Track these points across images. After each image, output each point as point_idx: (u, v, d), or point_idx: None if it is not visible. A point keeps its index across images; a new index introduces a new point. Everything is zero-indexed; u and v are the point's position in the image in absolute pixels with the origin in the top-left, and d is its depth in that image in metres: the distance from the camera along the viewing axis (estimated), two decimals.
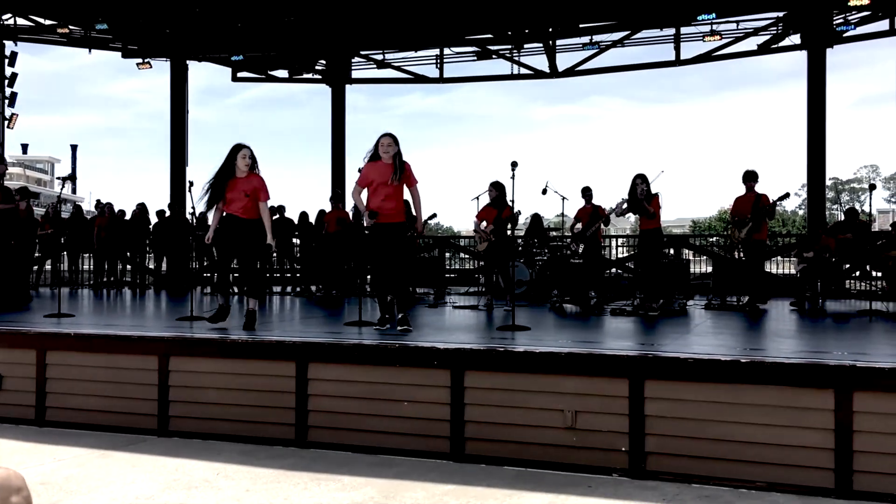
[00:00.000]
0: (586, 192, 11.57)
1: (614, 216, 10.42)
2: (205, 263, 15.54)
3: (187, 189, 8.68)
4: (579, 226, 11.48)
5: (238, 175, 7.45)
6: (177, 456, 5.94)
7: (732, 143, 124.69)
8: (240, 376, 6.47)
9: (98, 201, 16.02)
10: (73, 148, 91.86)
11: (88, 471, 5.60)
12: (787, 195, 10.02)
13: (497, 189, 10.31)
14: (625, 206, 9.72)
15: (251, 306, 7.61)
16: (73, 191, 76.08)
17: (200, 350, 6.66)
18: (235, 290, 13.97)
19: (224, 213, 7.56)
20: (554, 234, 14.18)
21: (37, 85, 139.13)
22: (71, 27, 17.18)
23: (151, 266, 16.83)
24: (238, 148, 7.46)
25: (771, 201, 9.97)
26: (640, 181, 9.48)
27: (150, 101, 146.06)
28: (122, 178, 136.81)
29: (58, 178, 9.67)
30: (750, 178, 10.31)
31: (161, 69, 18.87)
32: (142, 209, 16.02)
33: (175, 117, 18.66)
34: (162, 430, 6.64)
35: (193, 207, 8.94)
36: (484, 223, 10.50)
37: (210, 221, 7.65)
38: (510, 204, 10.12)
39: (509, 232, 10.17)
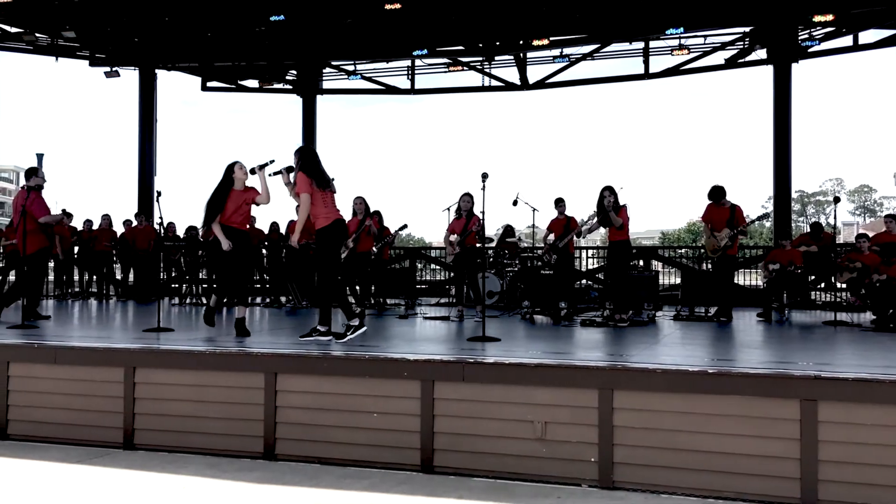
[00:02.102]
0: (559, 203, 11.63)
1: (585, 229, 10.49)
2: (173, 274, 15.38)
3: (155, 199, 8.63)
4: (552, 237, 11.53)
5: (236, 187, 7.76)
6: (142, 469, 5.86)
7: (702, 156, 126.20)
8: (207, 388, 6.40)
9: (63, 210, 15.77)
10: (39, 157, 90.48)
11: (51, 486, 5.50)
12: (766, 216, 10.17)
13: (469, 200, 10.38)
14: (595, 220, 9.80)
15: (242, 314, 7.84)
16: None
17: (167, 362, 6.58)
18: (205, 300, 13.87)
19: (226, 226, 7.70)
20: (524, 245, 14.23)
21: (2, 92, 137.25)
22: (38, 35, 16.94)
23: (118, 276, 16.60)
24: (234, 163, 7.82)
25: (747, 218, 10.12)
26: (608, 193, 9.56)
27: (118, 110, 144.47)
28: (89, 187, 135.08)
29: (23, 187, 9.51)
30: (714, 195, 10.45)
31: (130, 78, 18.69)
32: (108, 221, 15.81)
33: (143, 126, 18.48)
34: (128, 444, 6.55)
35: (161, 217, 8.88)
36: (454, 235, 10.52)
37: (218, 234, 7.66)
38: (476, 214, 10.17)
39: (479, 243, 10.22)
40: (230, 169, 7.78)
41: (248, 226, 7.96)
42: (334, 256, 7.43)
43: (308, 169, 7.29)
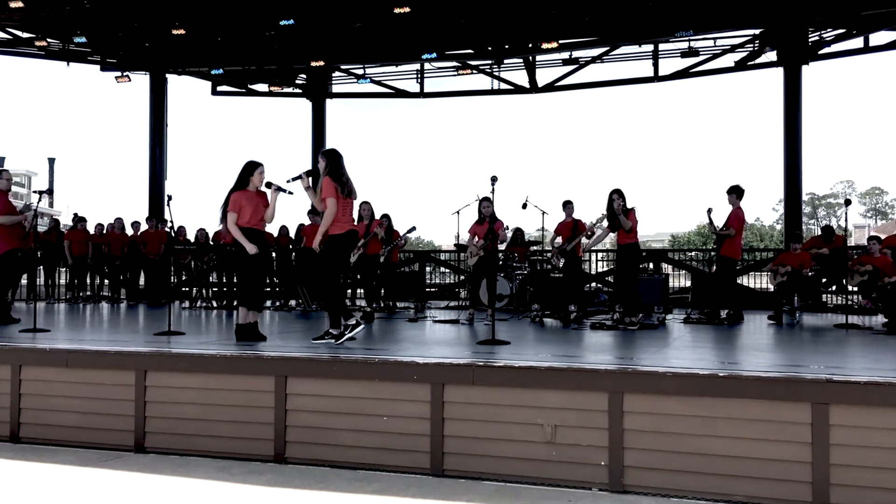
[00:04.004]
0: (567, 206, 11.61)
1: (593, 239, 10.50)
2: (183, 278, 15.44)
3: (166, 203, 8.66)
4: (559, 240, 11.52)
5: (250, 189, 7.64)
6: (153, 472, 5.88)
7: (711, 159, 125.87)
8: (218, 392, 6.42)
9: (75, 215, 15.88)
10: (51, 161, 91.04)
11: (63, 489, 5.53)
12: (709, 209, 10.62)
13: (489, 205, 10.41)
14: (604, 222, 9.80)
15: (254, 319, 7.73)
16: (51, 204, 75.39)
17: (178, 365, 6.60)
18: (215, 303, 13.92)
19: (245, 228, 7.55)
20: (534, 248, 14.22)
21: (14, 97, 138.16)
22: (49, 40, 17.07)
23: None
24: (256, 165, 7.68)
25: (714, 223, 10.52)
26: (617, 196, 9.56)
27: (129, 114, 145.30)
28: (100, 191, 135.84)
29: (35, 192, 9.57)
30: (727, 192, 10.53)
31: (140, 83, 18.80)
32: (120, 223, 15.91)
33: (154, 130, 18.57)
34: (139, 447, 6.57)
35: (172, 221, 8.92)
36: (476, 237, 10.55)
37: (240, 238, 7.48)
38: (499, 219, 10.18)
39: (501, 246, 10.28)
40: (251, 170, 7.64)
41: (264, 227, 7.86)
42: (339, 264, 7.39)
43: (334, 174, 7.27)
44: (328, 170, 7.31)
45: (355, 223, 7.60)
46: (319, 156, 7.46)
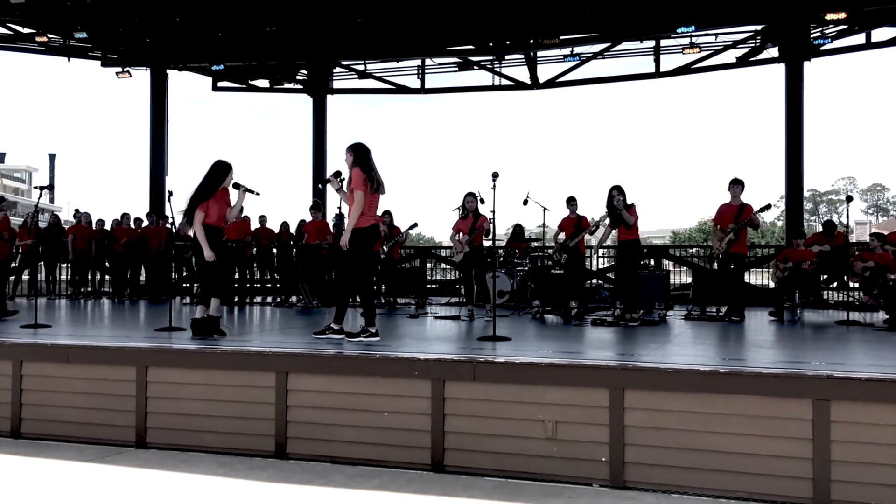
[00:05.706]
0: (571, 202, 11.59)
1: (599, 237, 10.49)
2: (184, 274, 15.43)
3: (167, 199, 8.67)
4: (563, 236, 11.50)
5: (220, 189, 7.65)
6: (155, 468, 5.89)
7: (713, 155, 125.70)
8: (219, 387, 6.42)
9: (76, 210, 15.87)
10: (52, 157, 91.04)
11: (65, 484, 5.53)
12: (768, 206, 10.13)
13: (473, 200, 10.44)
14: (606, 220, 9.79)
15: (218, 313, 7.74)
16: (52, 200, 75.41)
17: (179, 361, 6.60)
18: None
19: (212, 226, 7.58)
20: (535, 244, 14.20)
21: (14, 93, 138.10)
22: (50, 36, 17.04)
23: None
24: (229, 167, 7.69)
25: (754, 212, 10.01)
26: (617, 192, 9.55)
27: (130, 110, 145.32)
28: (101, 187, 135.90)
29: (36, 188, 9.57)
30: (736, 184, 10.37)
31: (141, 78, 18.78)
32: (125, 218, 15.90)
33: (154, 126, 18.55)
34: (140, 443, 6.57)
35: (173, 217, 8.91)
36: (460, 234, 10.56)
37: (202, 240, 7.49)
38: (483, 214, 10.20)
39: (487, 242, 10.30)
40: (227, 169, 7.66)
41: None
42: (365, 258, 7.28)
43: (364, 167, 7.18)
44: (357, 162, 7.21)
45: (379, 219, 7.53)
46: (346, 150, 7.32)
